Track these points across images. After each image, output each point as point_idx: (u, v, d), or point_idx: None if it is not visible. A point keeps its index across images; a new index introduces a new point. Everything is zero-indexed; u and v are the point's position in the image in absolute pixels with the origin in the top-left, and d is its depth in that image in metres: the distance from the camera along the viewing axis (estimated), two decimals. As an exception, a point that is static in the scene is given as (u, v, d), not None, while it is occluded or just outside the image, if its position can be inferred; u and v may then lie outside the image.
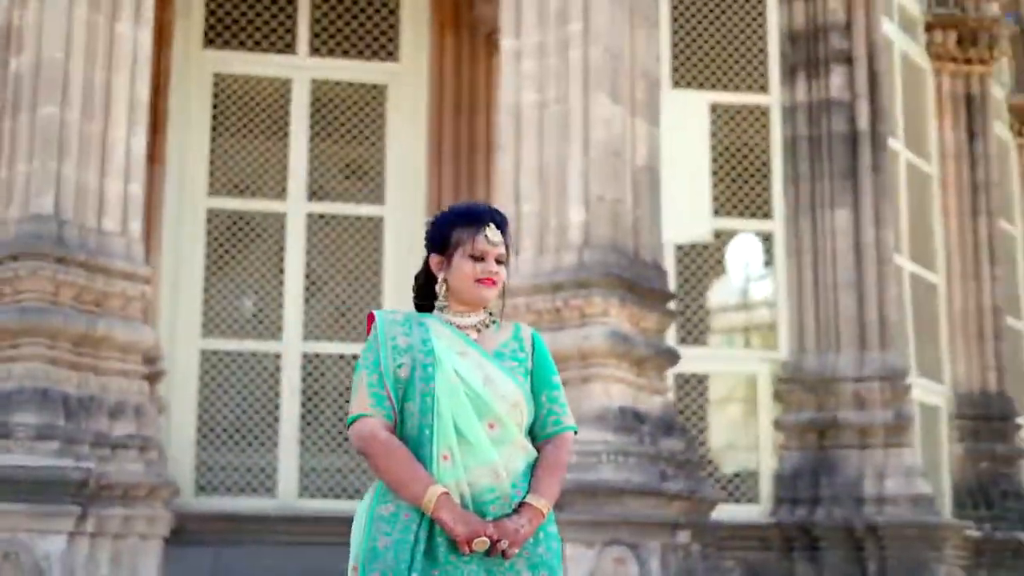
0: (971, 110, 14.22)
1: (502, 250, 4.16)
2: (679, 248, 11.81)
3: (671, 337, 10.57)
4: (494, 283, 4.14)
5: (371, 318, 4.18)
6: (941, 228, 13.81)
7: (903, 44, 13.41)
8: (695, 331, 12.01)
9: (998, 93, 15.28)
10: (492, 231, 4.16)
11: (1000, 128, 15.33)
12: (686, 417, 11.25)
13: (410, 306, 4.34)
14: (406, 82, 12.78)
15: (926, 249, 13.50)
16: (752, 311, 13.16)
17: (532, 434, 4.18)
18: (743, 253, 12.97)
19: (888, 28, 12.79)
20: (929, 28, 14.02)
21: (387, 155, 12.69)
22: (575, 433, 4.24)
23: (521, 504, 4.06)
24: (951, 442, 13.45)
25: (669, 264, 11.17)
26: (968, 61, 14.15)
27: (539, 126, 9.60)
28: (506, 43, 9.80)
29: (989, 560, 13.09)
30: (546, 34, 9.59)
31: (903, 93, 13.23)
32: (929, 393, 13.11)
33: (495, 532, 3.95)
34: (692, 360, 11.12)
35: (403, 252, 12.19)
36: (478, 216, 4.21)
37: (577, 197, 9.40)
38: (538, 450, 4.17)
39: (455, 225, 4.18)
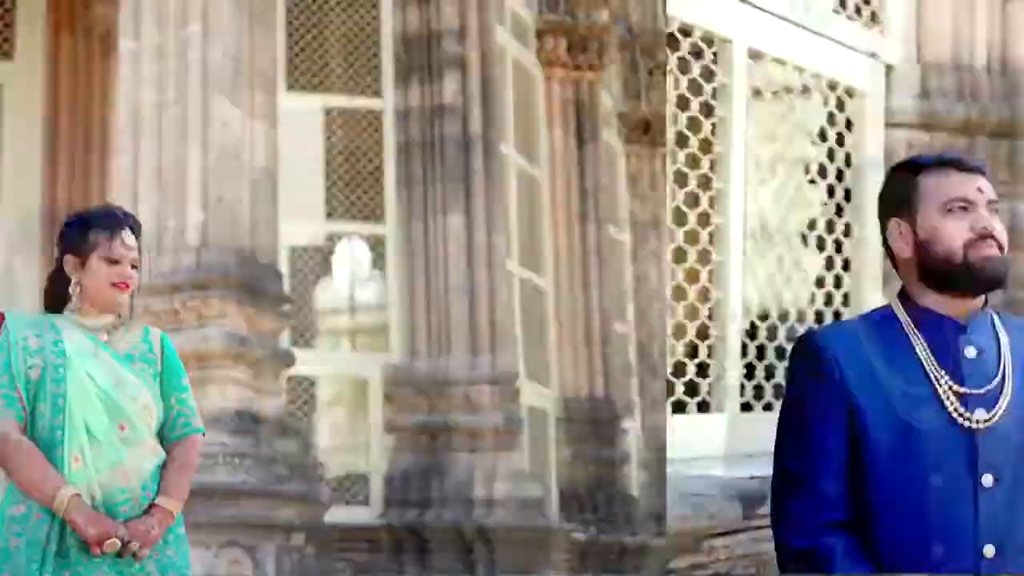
0: (581, 116, 14.87)
1: (136, 254, 4.46)
2: (292, 250, 12.23)
3: (285, 339, 11.04)
4: (127, 287, 4.44)
5: (0, 318, 4.40)
6: (550, 233, 14.46)
7: (515, 50, 14.01)
8: (307, 334, 12.39)
9: (607, 100, 16.07)
10: (128, 235, 4.46)
11: (609, 135, 16.10)
12: (298, 420, 11.68)
13: (20, 306, 4.65)
14: (21, 82, 12.83)
15: (536, 254, 14.12)
16: (363, 314, 13.45)
17: (162, 436, 4.46)
18: (354, 256, 13.30)
19: (501, 35, 13.36)
20: (540, 35, 14.62)
21: (2, 155, 12.75)
22: (203, 435, 4.61)
23: (151, 506, 4.32)
24: (559, 446, 14.03)
25: (283, 266, 11.56)
26: (578, 68, 14.77)
27: (158, 127, 9.93)
28: (124, 44, 10.10)
29: (595, 562, 13.70)
30: (165, 35, 9.91)
31: (515, 99, 13.78)
32: (538, 397, 13.70)
33: (126, 533, 4.21)
34: (304, 363, 11.44)
35: (16, 251, 12.31)
36: (114, 220, 4.49)
37: (196, 199, 9.78)
38: (168, 452, 4.45)
39: (91, 228, 4.43)
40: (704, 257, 6.33)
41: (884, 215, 4.06)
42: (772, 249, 6.71)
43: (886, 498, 3.82)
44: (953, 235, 3.91)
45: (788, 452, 3.94)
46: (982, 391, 3.87)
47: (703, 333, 6.38)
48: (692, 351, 6.38)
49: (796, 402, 3.97)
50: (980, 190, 3.99)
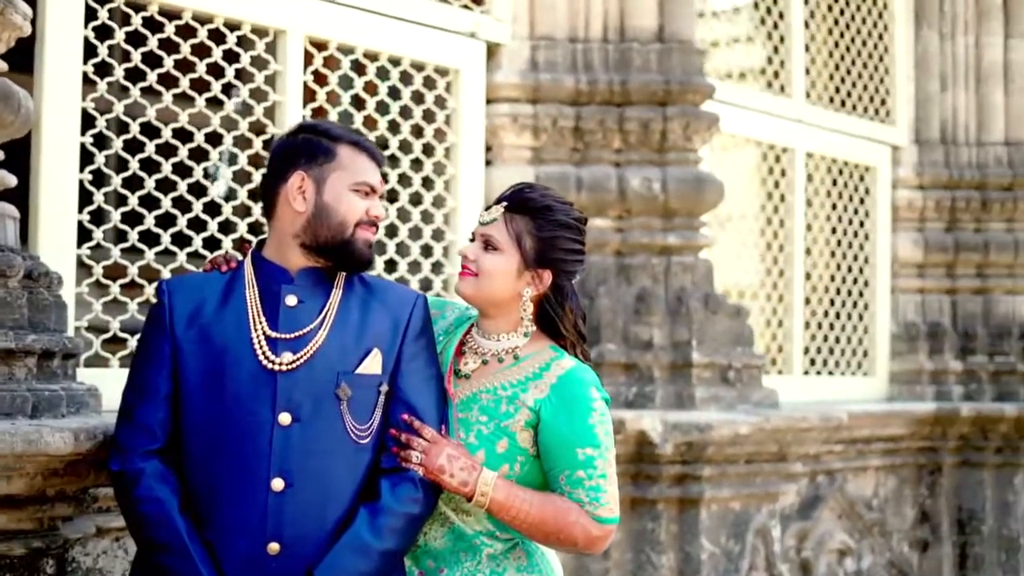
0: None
1: None
2: None
3: None
4: None
5: None
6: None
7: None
8: None
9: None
10: None
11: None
12: None
13: None
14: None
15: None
16: None
17: None
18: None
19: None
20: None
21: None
22: None
23: None
24: None
25: None
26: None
27: None
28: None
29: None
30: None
31: None
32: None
33: None
34: None
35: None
36: None
37: None
38: None
39: None
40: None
41: (287, 165, 3.88)
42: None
43: (195, 429, 3.79)
44: (353, 211, 3.87)
45: (127, 385, 3.89)
46: (293, 335, 3.80)
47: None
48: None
49: (139, 341, 3.94)
50: (382, 182, 3.96)
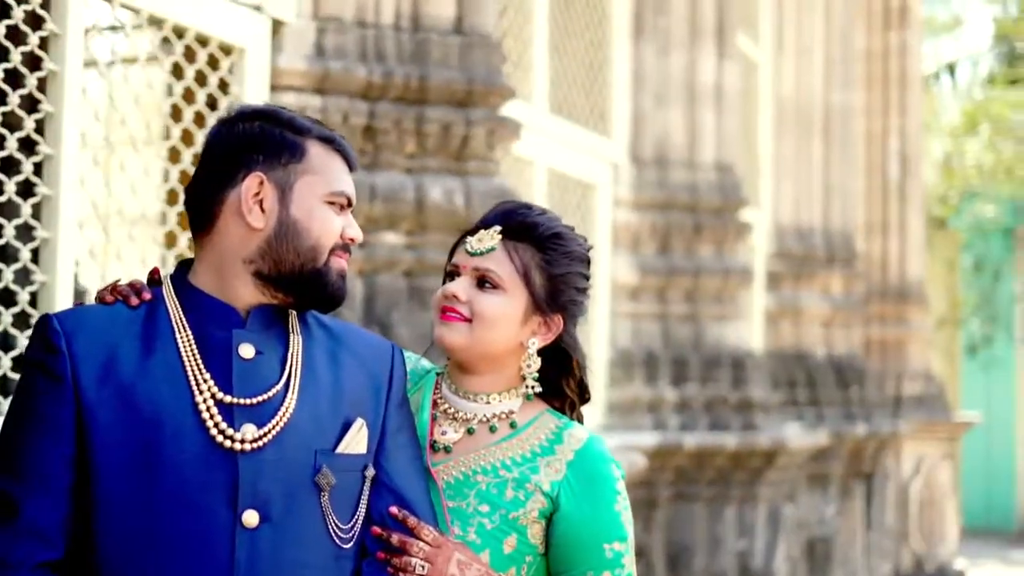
0: None
1: None
2: None
3: None
4: None
5: None
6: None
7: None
8: None
9: None
10: None
11: None
12: None
13: None
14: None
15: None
16: None
17: None
18: None
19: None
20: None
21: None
22: None
23: None
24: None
25: None
26: None
27: None
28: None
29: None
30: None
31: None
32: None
33: None
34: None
35: None
36: None
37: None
38: None
39: None
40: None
41: (237, 163, 2.73)
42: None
43: (116, 533, 2.58)
44: (328, 231, 2.75)
45: (1, 468, 2.62)
46: (254, 401, 2.68)
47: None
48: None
49: (18, 402, 2.66)
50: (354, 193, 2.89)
